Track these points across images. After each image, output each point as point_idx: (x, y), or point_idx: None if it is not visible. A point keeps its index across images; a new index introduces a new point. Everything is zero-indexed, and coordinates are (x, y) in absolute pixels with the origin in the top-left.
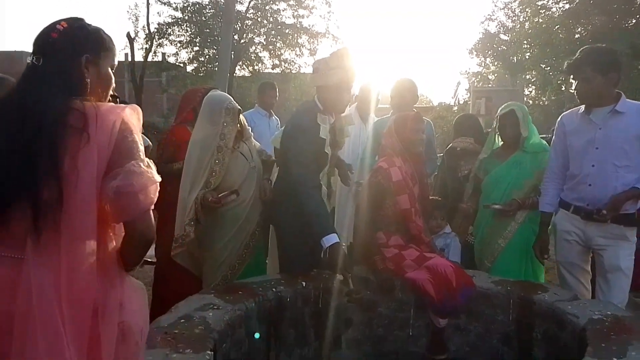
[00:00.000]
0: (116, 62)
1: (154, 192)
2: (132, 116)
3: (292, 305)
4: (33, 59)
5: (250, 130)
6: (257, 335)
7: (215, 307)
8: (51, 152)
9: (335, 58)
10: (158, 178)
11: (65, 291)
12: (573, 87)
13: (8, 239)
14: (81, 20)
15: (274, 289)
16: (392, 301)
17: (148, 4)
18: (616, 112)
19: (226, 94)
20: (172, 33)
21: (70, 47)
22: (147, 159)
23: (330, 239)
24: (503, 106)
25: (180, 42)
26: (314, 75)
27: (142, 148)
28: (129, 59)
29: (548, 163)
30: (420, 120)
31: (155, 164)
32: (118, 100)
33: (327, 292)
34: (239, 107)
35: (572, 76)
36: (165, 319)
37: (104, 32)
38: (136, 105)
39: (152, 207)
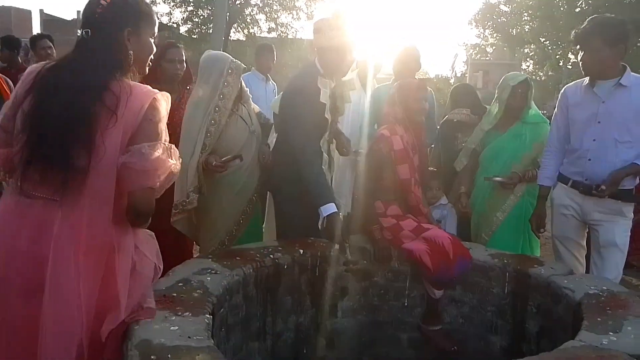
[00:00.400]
0: (156, 30)
1: (162, 175)
2: (161, 102)
3: (289, 273)
4: (83, 32)
5: (248, 92)
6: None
7: (213, 271)
8: (86, 128)
9: (337, 19)
10: (174, 164)
11: (84, 237)
12: (579, 58)
13: (45, 186)
14: None
15: (271, 256)
16: (388, 271)
17: None
18: (620, 86)
19: (225, 53)
20: None
21: (113, 21)
22: (171, 146)
23: (328, 209)
24: (511, 75)
25: (173, 0)
26: (316, 36)
27: (164, 134)
28: None
29: (548, 136)
30: (424, 89)
31: None
32: None
33: (324, 260)
34: (244, 66)
35: (578, 46)
36: (163, 281)
37: (144, 2)
38: (166, 93)
39: (157, 186)
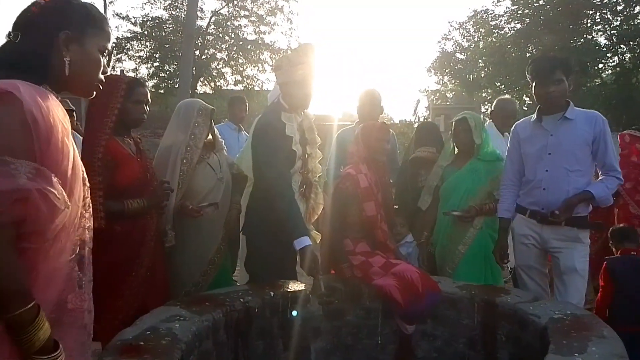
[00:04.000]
0: (109, 46)
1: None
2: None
3: (260, 316)
4: (10, 35)
5: (223, 144)
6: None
7: (181, 318)
8: None
9: (298, 54)
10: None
11: None
12: (544, 91)
13: None
14: None
15: (241, 300)
16: (359, 309)
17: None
18: (566, 119)
19: (198, 99)
20: (131, 48)
21: (49, 23)
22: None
23: (301, 242)
24: (457, 115)
25: (139, 57)
26: (277, 73)
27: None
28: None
29: (504, 170)
30: (386, 130)
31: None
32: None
33: (295, 302)
34: (212, 108)
35: (538, 81)
36: (130, 331)
37: (94, 8)
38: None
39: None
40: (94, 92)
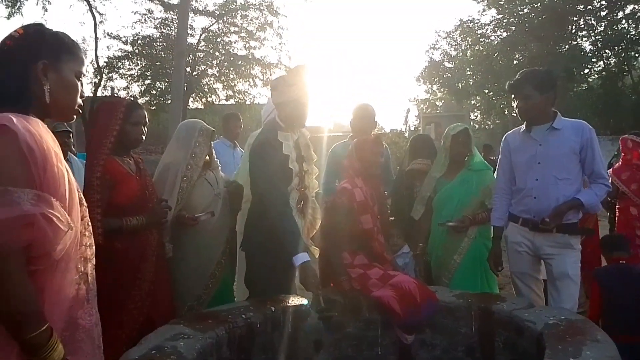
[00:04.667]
0: (84, 70)
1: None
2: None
3: (262, 331)
4: None
5: (218, 162)
6: None
7: (186, 336)
8: None
9: (293, 74)
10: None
11: None
12: (515, 105)
13: None
14: (39, 25)
15: (243, 316)
16: (359, 321)
17: (96, 37)
18: (553, 129)
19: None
20: (122, 67)
21: (25, 53)
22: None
23: (300, 258)
24: (452, 126)
25: (130, 75)
26: (273, 94)
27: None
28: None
29: (496, 180)
30: (379, 144)
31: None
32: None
33: (296, 316)
34: (213, 129)
35: (513, 95)
36: (135, 350)
37: (66, 35)
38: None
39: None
40: (74, 116)
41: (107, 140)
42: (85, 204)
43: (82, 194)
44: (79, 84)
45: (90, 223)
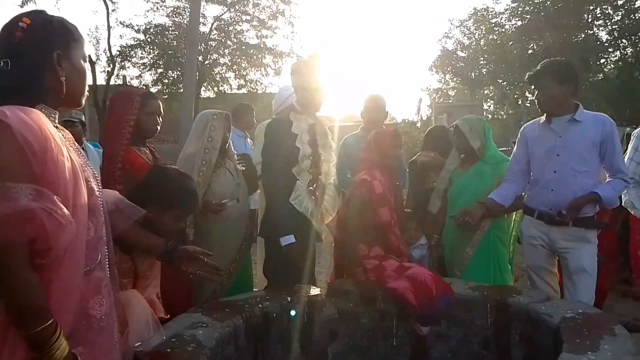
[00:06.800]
0: (86, 53)
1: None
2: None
3: (278, 321)
4: (1, 63)
5: (233, 149)
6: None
7: (204, 325)
8: None
9: (313, 60)
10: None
11: None
12: (534, 96)
13: None
14: (43, 12)
15: (260, 305)
16: (374, 312)
17: (109, 26)
18: (574, 121)
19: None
20: (134, 55)
21: (38, 46)
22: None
23: (286, 239)
24: (458, 120)
25: (143, 64)
26: (293, 77)
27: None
28: (91, 82)
29: (507, 168)
30: (398, 136)
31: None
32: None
33: (311, 306)
34: (227, 112)
35: (532, 86)
36: (155, 338)
37: (68, 22)
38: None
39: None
40: (84, 101)
41: (125, 131)
42: (97, 194)
43: (93, 184)
44: (86, 67)
45: (105, 212)
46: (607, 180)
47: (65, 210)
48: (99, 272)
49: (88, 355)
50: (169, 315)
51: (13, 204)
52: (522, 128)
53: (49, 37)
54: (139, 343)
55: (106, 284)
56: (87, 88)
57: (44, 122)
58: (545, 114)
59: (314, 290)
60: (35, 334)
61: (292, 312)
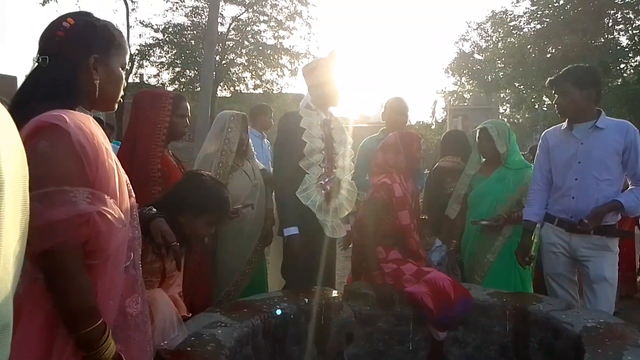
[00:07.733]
0: (127, 61)
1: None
2: (61, 130)
3: (295, 322)
4: (39, 59)
5: (253, 149)
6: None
7: (223, 324)
8: None
9: (324, 58)
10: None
11: None
12: (554, 101)
13: None
14: (89, 15)
15: (277, 306)
16: (391, 316)
17: (128, 26)
18: (597, 128)
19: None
20: (153, 54)
21: (77, 47)
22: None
23: (289, 231)
24: (481, 124)
25: (161, 63)
26: (306, 78)
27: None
28: None
29: (532, 176)
30: (419, 140)
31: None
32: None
33: (328, 308)
34: (244, 113)
35: (553, 91)
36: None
37: (113, 27)
38: (85, 118)
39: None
40: (116, 106)
41: (161, 132)
42: (133, 195)
43: (130, 186)
44: (123, 74)
45: (138, 214)
46: (630, 187)
47: (119, 212)
48: (133, 270)
49: (125, 352)
50: (190, 314)
51: (72, 207)
52: (543, 134)
53: (88, 40)
54: (165, 342)
55: (140, 282)
56: (121, 94)
57: (93, 127)
58: (566, 120)
59: (332, 293)
60: (86, 333)
61: (278, 311)
